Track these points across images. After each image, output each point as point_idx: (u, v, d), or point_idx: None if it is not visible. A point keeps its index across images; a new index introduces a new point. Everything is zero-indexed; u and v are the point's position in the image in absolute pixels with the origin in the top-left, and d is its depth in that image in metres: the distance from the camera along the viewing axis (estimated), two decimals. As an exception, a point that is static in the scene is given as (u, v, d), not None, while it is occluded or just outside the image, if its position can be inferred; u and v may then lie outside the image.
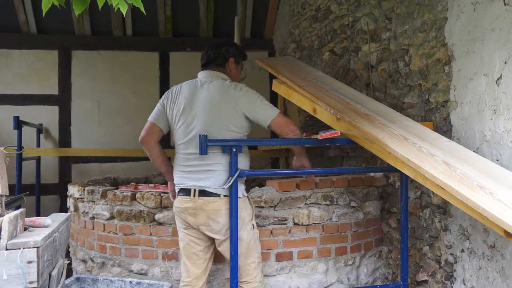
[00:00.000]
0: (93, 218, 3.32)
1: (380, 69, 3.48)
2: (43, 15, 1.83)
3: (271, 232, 3.01)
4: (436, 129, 2.80)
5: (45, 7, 1.69)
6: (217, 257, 2.70)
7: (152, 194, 3.11)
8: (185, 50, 5.98)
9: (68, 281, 2.82)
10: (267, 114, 2.51)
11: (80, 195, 3.48)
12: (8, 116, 4.99)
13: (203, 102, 2.51)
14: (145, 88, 5.86)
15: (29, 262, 1.51)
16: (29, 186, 5.12)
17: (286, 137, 2.56)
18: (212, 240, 2.55)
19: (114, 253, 3.19)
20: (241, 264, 2.48)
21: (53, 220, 1.86)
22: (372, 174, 3.40)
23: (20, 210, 1.69)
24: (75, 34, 5.72)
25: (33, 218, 1.80)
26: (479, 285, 2.60)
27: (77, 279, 2.92)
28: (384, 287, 3.19)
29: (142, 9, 1.74)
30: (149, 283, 2.84)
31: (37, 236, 1.59)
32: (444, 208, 2.86)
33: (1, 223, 1.52)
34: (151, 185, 3.62)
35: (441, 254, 2.91)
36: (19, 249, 1.50)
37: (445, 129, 2.80)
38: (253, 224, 2.54)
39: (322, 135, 2.57)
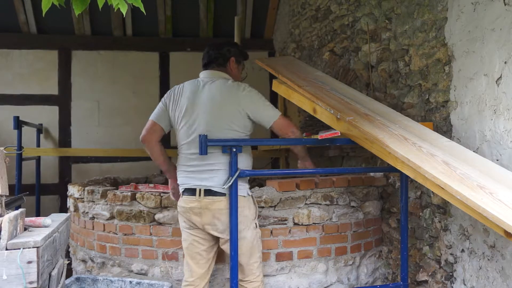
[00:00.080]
0: (93, 218, 3.32)
1: (380, 69, 3.48)
2: (43, 15, 1.83)
3: (271, 232, 3.01)
4: (436, 129, 2.80)
5: (45, 7, 1.69)
6: (218, 257, 2.70)
7: (152, 194, 3.11)
8: (185, 50, 5.98)
9: (68, 281, 2.82)
10: (269, 115, 2.53)
11: (80, 195, 3.48)
12: (8, 116, 4.99)
13: (206, 102, 2.51)
14: (145, 88, 5.86)
15: (29, 262, 1.51)
16: (29, 186, 5.12)
17: (284, 135, 2.58)
18: (216, 240, 2.56)
19: (114, 253, 3.19)
20: (244, 263, 2.49)
21: (53, 220, 1.86)
22: (372, 174, 3.40)
23: (20, 210, 1.69)
24: (75, 34, 5.73)
25: (33, 218, 1.80)
26: (479, 285, 2.60)
27: (77, 279, 2.92)
28: (384, 287, 3.19)
29: (142, 9, 1.74)
30: (149, 283, 2.84)
31: (37, 236, 1.59)
32: (444, 208, 2.86)
33: (1, 223, 1.52)
34: (151, 185, 3.62)
35: (441, 254, 2.91)
36: (19, 249, 1.50)
37: (445, 129, 2.80)
38: (256, 223, 2.55)
39: (322, 135, 2.57)
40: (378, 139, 2.31)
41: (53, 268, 1.79)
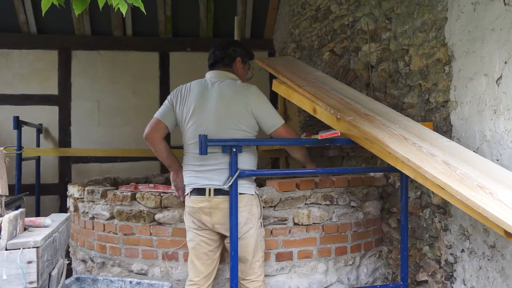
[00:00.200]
0: (93, 218, 3.32)
1: (380, 69, 3.48)
2: (43, 15, 1.83)
3: (271, 232, 3.01)
4: (436, 129, 2.80)
5: (44, 6, 1.69)
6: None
7: (152, 194, 3.11)
8: (185, 50, 5.98)
9: (68, 281, 2.82)
10: (273, 121, 2.57)
11: (80, 195, 3.48)
12: (8, 116, 4.98)
13: (214, 102, 2.53)
14: (145, 88, 5.86)
15: (29, 262, 1.51)
16: (29, 186, 5.12)
17: (287, 147, 2.69)
18: (221, 240, 2.58)
19: (114, 253, 3.19)
20: (247, 261, 2.50)
21: (53, 220, 1.86)
22: (372, 174, 3.40)
23: (20, 210, 1.69)
24: (75, 34, 5.73)
25: (33, 218, 1.80)
26: (479, 285, 2.60)
27: (77, 279, 2.92)
28: (384, 287, 3.19)
29: (142, 9, 1.74)
30: (149, 283, 2.83)
31: (37, 236, 1.59)
32: (444, 208, 2.86)
33: (1, 223, 1.52)
34: (151, 185, 3.62)
35: (441, 254, 2.91)
36: (19, 249, 1.50)
37: (445, 129, 2.80)
38: (261, 222, 2.57)
39: (322, 135, 2.58)
40: (378, 139, 2.31)
41: (53, 268, 1.79)
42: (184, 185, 2.64)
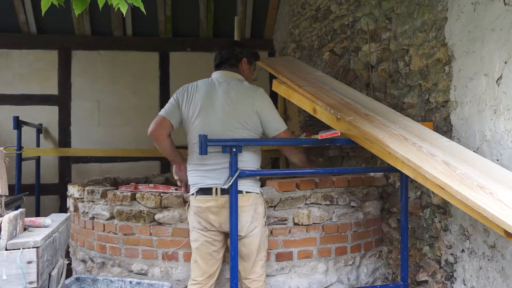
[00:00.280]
0: (93, 218, 3.32)
1: (380, 69, 3.48)
2: (43, 15, 1.83)
3: (271, 232, 3.01)
4: (436, 129, 2.80)
5: (44, 6, 1.69)
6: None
7: (152, 194, 3.11)
8: (185, 50, 5.98)
9: (68, 281, 2.82)
10: (277, 125, 2.61)
11: (80, 195, 3.48)
12: (8, 116, 4.99)
13: (221, 102, 2.54)
14: (145, 88, 5.86)
15: (29, 262, 1.51)
16: (29, 186, 5.12)
17: (285, 152, 2.72)
18: (225, 240, 2.59)
19: (114, 253, 3.19)
20: (251, 260, 2.51)
21: (53, 220, 1.86)
22: (372, 174, 3.40)
23: (20, 210, 1.69)
24: (75, 34, 5.73)
25: (33, 218, 1.80)
26: (479, 285, 2.60)
27: (77, 279, 2.92)
28: (384, 287, 3.19)
29: (142, 9, 1.74)
30: (149, 283, 2.83)
31: (37, 236, 1.59)
32: (444, 208, 2.86)
33: (1, 223, 1.52)
34: (151, 185, 3.62)
35: (441, 254, 2.91)
36: (19, 249, 1.50)
37: (445, 129, 2.80)
38: (264, 221, 2.59)
39: (322, 135, 2.58)
40: (378, 139, 2.31)
41: (53, 268, 1.79)
42: (187, 178, 2.65)
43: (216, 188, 2.47)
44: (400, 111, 2.97)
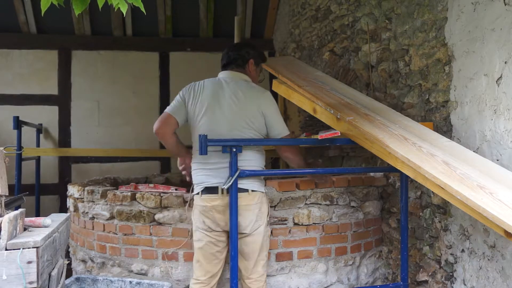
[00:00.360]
0: (93, 218, 3.32)
1: (380, 69, 3.48)
2: (42, 15, 1.83)
3: (271, 232, 3.00)
4: (436, 129, 2.80)
5: (44, 6, 1.69)
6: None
7: (152, 194, 3.11)
8: (185, 50, 5.98)
9: (68, 281, 2.81)
10: (280, 129, 2.62)
11: (80, 195, 3.48)
12: (8, 116, 4.98)
13: (229, 101, 2.55)
14: (145, 88, 5.86)
15: (29, 262, 1.51)
16: (29, 186, 5.12)
17: (284, 157, 2.71)
18: (229, 241, 2.58)
19: (114, 253, 3.19)
20: (252, 259, 2.51)
21: (53, 220, 1.86)
22: (372, 174, 3.40)
23: (20, 210, 1.69)
24: (75, 34, 5.73)
25: (33, 218, 1.80)
26: (479, 285, 2.60)
27: (77, 279, 2.92)
28: (384, 287, 3.19)
29: (142, 9, 1.74)
30: (149, 283, 2.83)
31: (37, 236, 1.59)
32: (444, 208, 2.86)
33: (1, 223, 1.52)
34: (151, 185, 3.62)
35: (441, 254, 2.91)
36: (19, 249, 1.50)
37: (445, 129, 2.80)
38: (267, 221, 2.60)
39: (322, 135, 2.58)
40: (378, 139, 2.31)
41: (53, 268, 1.79)
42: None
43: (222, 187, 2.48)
44: (400, 111, 2.97)
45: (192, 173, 2.63)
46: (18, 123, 4.75)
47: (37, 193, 5.30)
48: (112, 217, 3.20)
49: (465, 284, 2.72)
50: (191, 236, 2.95)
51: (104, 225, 3.24)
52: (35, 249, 1.52)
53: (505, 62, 2.34)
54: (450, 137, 2.73)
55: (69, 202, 3.73)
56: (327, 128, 2.71)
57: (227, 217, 2.49)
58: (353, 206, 3.24)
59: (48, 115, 5.60)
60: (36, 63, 5.62)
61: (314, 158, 4.34)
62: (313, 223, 3.08)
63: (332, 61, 4.29)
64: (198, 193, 2.56)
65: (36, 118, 5.42)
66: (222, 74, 2.71)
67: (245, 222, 2.49)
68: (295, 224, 3.05)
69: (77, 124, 5.69)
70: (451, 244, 2.82)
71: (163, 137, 2.64)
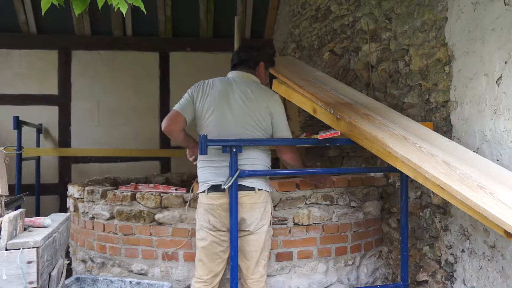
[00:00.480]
0: (93, 218, 3.32)
1: (380, 69, 3.48)
2: (43, 15, 1.83)
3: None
4: (436, 129, 2.80)
5: (44, 6, 1.69)
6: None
7: (152, 194, 3.10)
8: (185, 50, 5.98)
9: (68, 281, 2.81)
10: (284, 132, 2.63)
11: (80, 195, 3.48)
12: (8, 116, 4.98)
13: (238, 100, 2.56)
14: (145, 88, 5.86)
15: (29, 262, 1.51)
16: (29, 186, 5.12)
17: (282, 157, 2.69)
18: None
19: (114, 253, 3.19)
20: (255, 258, 2.51)
21: (53, 220, 1.86)
22: (372, 174, 3.40)
23: (20, 210, 1.69)
24: (75, 34, 5.73)
25: (33, 218, 1.80)
26: (480, 285, 2.60)
27: (77, 279, 2.92)
28: (384, 287, 3.19)
29: (143, 9, 1.74)
30: (149, 283, 2.83)
31: (37, 236, 1.59)
32: (444, 208, 2.86)
33: (1, 223, 1.52)
34: (151, 185, 3.62)
35: (441, 254, 2.91)
36: (19, 249, 1.50)
37: (445, 129, 2.80)
38: (270, 220, 2.59)
39: (322, 135, 2.58)
40: (378, 139, 2.31)
41: (53, 268, 1.79)
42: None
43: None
44: (400, 111, 2.97)
45: (198, 171, 2.62)
46: (18, 123, 4.75)
47: (37, 193, 5.30)
48: (112, 217, 3.20)
49: (465, 284, 2.72)
50: (191, 236, 2.95)
51: (104, 225, 3.24)
52: (35, 249, 1.52)
53: (505, 62, 2.34)
54: (450, 137, 2.73)
55: (69, 202, 3.73)
56: (327, 128, 2.71)
57: None
58: (353, 206, 3.24)
59: (48, 115, 5.61)
60: (36, 63, 5.62)
61: (314, 158, 4.34)
62: (313, 223, 3.08)
63: (332, 61, 4.29)
64: (204, 191, 2.55)
65: (36, 118, 5.42)
66: (232, 74, 2.72)
67: (250, 220, 2.49)
68: (295, 224, 3.05)
69: (77, 124, 5.69)
70: (451, 244, 2.82)
71: (171, 134, 2.66)
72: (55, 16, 4.46)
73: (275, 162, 5.62)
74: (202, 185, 2.57)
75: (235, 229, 2.41)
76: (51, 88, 5.66)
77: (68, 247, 3.67)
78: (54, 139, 5.64)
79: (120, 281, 2.88)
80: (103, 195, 3.26)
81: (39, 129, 5.44)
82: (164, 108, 5.72)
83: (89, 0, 1.77)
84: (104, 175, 4.56)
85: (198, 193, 2.61)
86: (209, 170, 2.55)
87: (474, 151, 2.42)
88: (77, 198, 3.53)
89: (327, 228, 3.12)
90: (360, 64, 3.78)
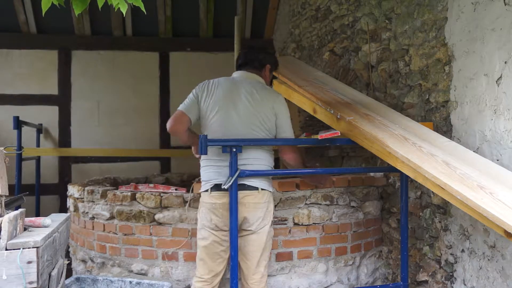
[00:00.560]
0: (93, 218, 3.32)
1: (380, 69, 3.48)
2: (43, 15, 1.83)
3: (271, 232, 3.01)
4: (436, 129, 2.80)
5: (44, 6, 1.69)
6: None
7: (152, 194, 3.11)
8: (185, 50, 5.98)
9: (68, 281, 2.82)
10: (287, 133, 2.64)
11: (80, 195, 3.48)
12: (8, 116, 4.99)
13: (243, 100, 2.56)
14: (145, 88, 5.86)
15: (29, 262, 1.51)
16: (29, 186, 5.12)
17: (283, 157, 2.70)
18: None
19: (114, 253, 3.19)
20: (256, 258, 2.51)
21: (53, 220, 1.86)
22: (372, 174, 3.40)
23: (20, 210, 1.69)
24: (75, 34, 5.73)
25: (33, 218, 1.80)
26: (480, 285, 2.60)
27: (77, 279, 2.92)
28: (384, 287, 3.19)
29: (143, 9, 1.74)
30: (149, 283, 2.83)
31: (37, 236, 1.59)
32: (444, 208, 2.86)
33: (1, 223, 1.52)
34: (151, 185, 3.62)
35: (441, 254, 2.91)
36: (19, 249, 1.50)
37: (445, 129, 2.80)
38: (272, 221, 2.60)
39: (322, 135, 2.58)
40: (378, 139, 2.31)
41: (53, 268, 1.79)
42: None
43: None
44: (400, 111, 2.97)
45: (201, 170, 2.62)
46: (18, 123, 4.75)
47: (37, 193, 5.30)
48: (112, 217, 3.20)
49: (465, 284, 2.72)
50: (191, 236, 2.95)
51: (104, 225, 3.25)
52: (35, 249, 1.52)
53: (505, 62, 2.34)
54: (450, 137, 2.73)
55: (69, 202, 3.73)
56: (327, 128, 2.71)
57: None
58: (353, 206, 3.24)
59: (48, 115, 5.61)
60: (36, 63, 5.63)
61: (314, 158, 4.34)
62: (313, 223, 3.08)
63: (332, 61, 4.29)
64: (206, 190, 2.55)
65: (36, 118, 5.42)
66: (237, 74, 2.72)
67: (252, 219, 2.50)
68: (295, 224, 3.05)
69: (77, 124, 5.69)
70: (451, 244, 2.82)
71: (176, 135, 2.67)
72: (55, 16, 4.47)
73: (275, 162, 5.64)
74: (205, 184, 2.57)
75: (235, 229, 2.41)
76: (51, 88, 5.66)
77: (68, 247, 3.67)
78: (54, 139, 5.64)
79: (120, 281, 2.88)
80: (103, 195, 3.26)
81: (39, 129, 5.45)
82: (164, 108, 5.73)
83: (89, 0, 1.77)
84: (104, 175, 4.56)
85: (200, 192, 2.61)
86: (212, 169, 2.54)
87: (474, 151, 2.42)
88: (77, 198, 3.53)
89: (327, 228, 3.12)
90: (360, 64, 3.78)
